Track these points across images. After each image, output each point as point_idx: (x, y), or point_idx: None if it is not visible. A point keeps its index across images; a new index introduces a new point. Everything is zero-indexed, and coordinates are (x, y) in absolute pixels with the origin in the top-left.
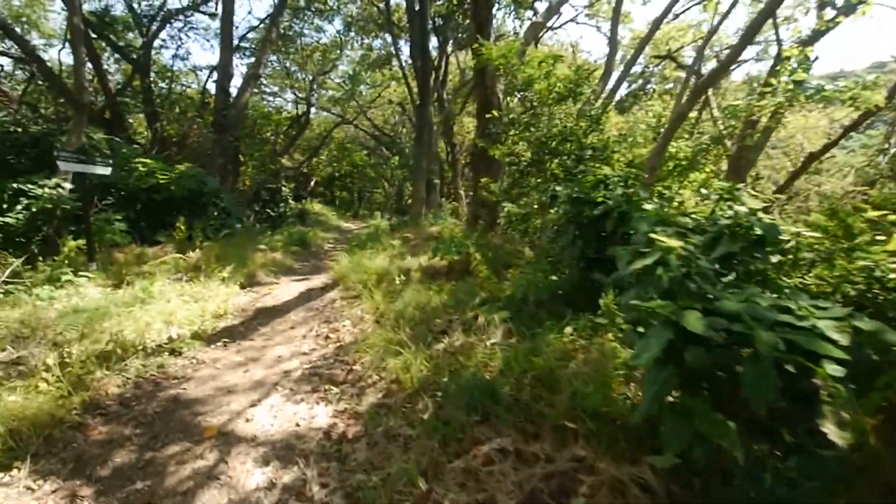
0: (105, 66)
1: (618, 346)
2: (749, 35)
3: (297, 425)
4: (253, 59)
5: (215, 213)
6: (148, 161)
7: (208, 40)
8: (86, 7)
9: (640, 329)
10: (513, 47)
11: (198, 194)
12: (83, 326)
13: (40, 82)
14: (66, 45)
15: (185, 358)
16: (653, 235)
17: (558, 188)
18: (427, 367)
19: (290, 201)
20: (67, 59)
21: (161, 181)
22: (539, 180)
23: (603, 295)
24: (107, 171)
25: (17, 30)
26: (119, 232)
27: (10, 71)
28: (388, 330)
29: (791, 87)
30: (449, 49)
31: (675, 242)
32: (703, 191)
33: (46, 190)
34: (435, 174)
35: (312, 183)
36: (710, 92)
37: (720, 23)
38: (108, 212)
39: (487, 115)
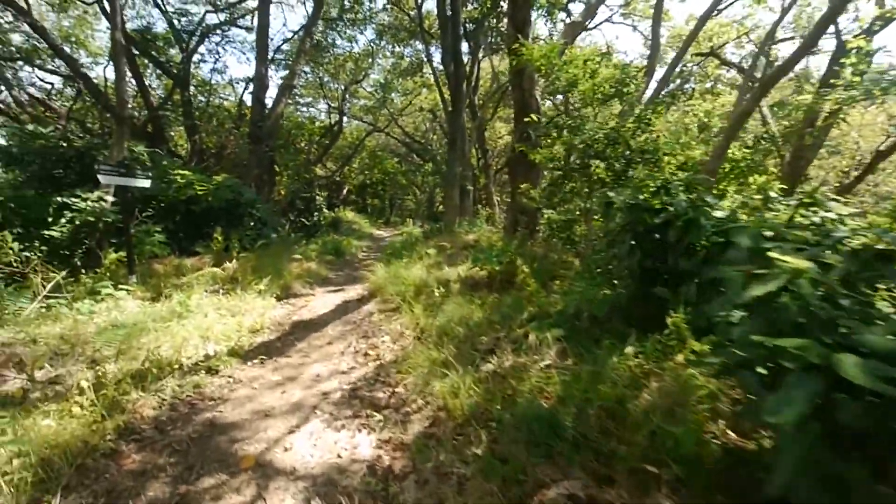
0: (147, 82)
1: (695, 373)
2: (823, 26)
3: (339, 456)
4: (287, 71)
5: (251, 224)
6: (186, 173)
7: (244, 53)
8: (129, 25)
9: (761, 370)
10: (555, 47)
11: (234, 205)
12: (120, 343)
13: (87, 99)
14: (111, 61)
15: (221, 376)
16: (773, 254)
17: (611, 194)
18: (477, 392)
19: (324, 210)
20: (112, 75)
21: (199, 192)
22: (583, 186)
23: (669, 312)
24: (146, 183)
25: (66, 49)
26: (158, 244)
27: (60, 88)
28: (430, 348)
29: (858, 80)
30: (480, 55)
31: (803, 263)
32: (755, 196)
33: (89, 203)
34: (468, 180)
35: (345, 191)
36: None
37: (781, 17)
38: (148, 224)
39: (525, 119)
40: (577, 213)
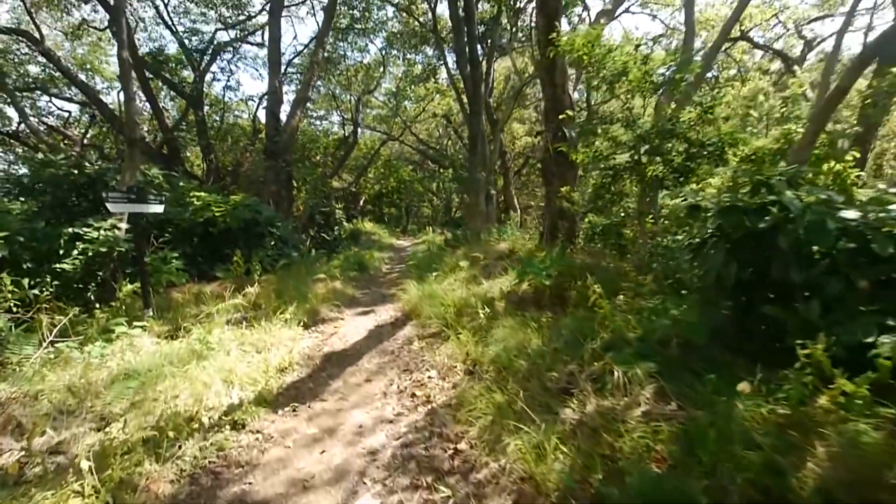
0: (161, 104)
1: (867, 428)
2: None
3: None
4: (300, 85)
5: (272, 243)
6: (202, 194)
7: (257, 69)
8: (141, 50)
9: None
10: (598, 33)
11: (253, 224)
12: (134, 393)
13: (103, 124)
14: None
15: (249, 432)
16: None
17: (693, 196)
18: (567, 454)
19: (344, 223)
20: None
21: (216, 214)
22: (634, 185)
23: (786, 336)
24: (159, 208)
25: (81, 76)
26: (175, 271)
27: (77, 116)
28: (490, 386)
29: None
30: (494, 56)
31: None
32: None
33: (102, 232)
34: (490, 185)
35: (361, 201)
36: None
37: None
38: (164, 250)
39: (561, 116)
40: (628, 215)
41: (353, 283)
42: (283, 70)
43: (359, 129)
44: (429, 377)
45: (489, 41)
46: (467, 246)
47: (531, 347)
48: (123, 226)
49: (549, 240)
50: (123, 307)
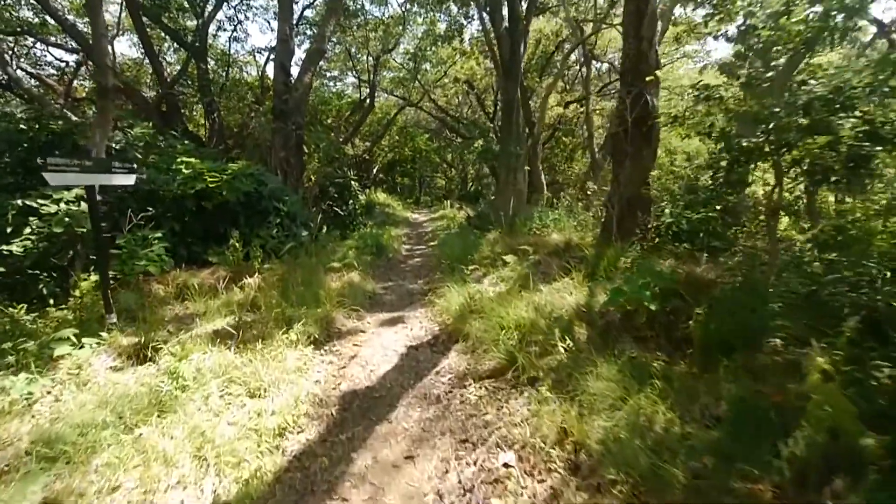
0: (161, 57)
1: None
2: None
3: None
4: (314, 38)
5: (277, 221)
6: (192, 161)
7: (267, 20)
8: None
9: None
10: None
11: (256, 198)
12: (49, 484)
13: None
14: (121, 35)
15: None
16: None
17: None
18: None
19: (359, 196)
20: (126, 50)
21: (210, 185)
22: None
23: None
24: (128, 179)
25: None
26: (157, 257)
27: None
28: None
29: None
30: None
31: None
32: None
33: (63, 206)
34: (523, 159)
35: (374, 170)
36: None
37: None
38: (144, 229)
39: (648, 78)
40: (751, 212)
41: (373, 271)
42: (295, 17)
43: (376, 92)
44: (505, 465)
45: None
46: (501, 231)
47: (664, 427)
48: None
49: (618, 234)
50: (81, 308)
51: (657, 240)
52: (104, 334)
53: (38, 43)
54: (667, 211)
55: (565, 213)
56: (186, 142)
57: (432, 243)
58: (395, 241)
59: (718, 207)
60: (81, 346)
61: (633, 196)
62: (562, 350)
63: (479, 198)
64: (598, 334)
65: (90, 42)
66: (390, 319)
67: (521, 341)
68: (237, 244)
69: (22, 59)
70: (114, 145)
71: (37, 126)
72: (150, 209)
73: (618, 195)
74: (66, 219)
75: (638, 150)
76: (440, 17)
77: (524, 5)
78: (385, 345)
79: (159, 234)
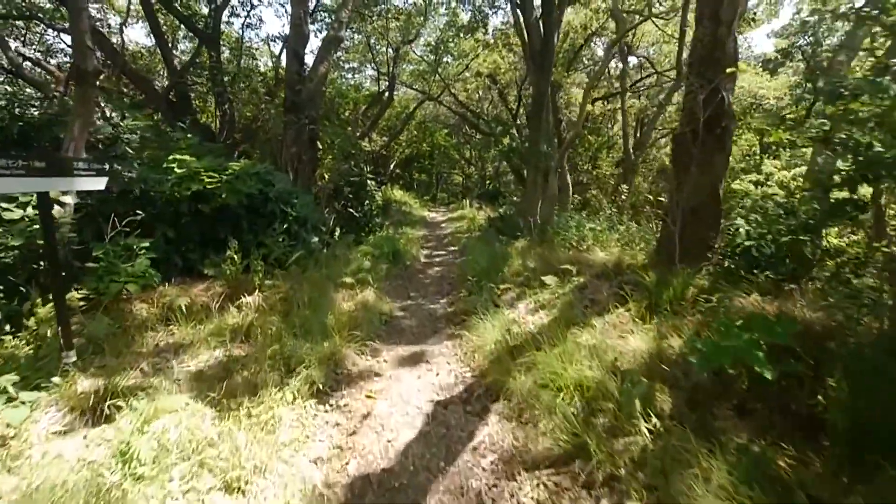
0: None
1: None
2: None
3: None
4: (331, 25)
5: (285, 227)
6: (186, 158)
7: (282, 4)
8: None
9: None
10: None
11: (261, 200)
12: None
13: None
14: (134, 22)
15: None
16: None
17: None
18: None
19: (376, 195)
20: (138, 37)
21: (208, 186)
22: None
23: None
24: (97, 183)
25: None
26: (141, 273)
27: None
28: None
29: None
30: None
31: None
32: None
33: (30, 212)
34: (552, 160)
35: (392, 166)
36: None
37: None
38: (131, 236)
39: (730, 70)
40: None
41: (388, 282)
42: (312, 3)
43: (395, 86)
44: None
45: None
46: (530, 240)
47: None
48: (70, 200)
49: (680, 254)
50: (40, 339)
51: (728, 264)
52: (57, 379)
53: (50, 29)
54: (742, 230)
55: (605, 222)
56: (190, 135)
57: (453, 248)
58: (412, 244)
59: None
60: (19, 403)
61: (699, 210)
62: (644, 430)
63: (498, 197)
64: (686, 402)
65: (94, 24)
66: (411, 356)
67: (585, 410)
68: (235, 256)
69: (34, 46)
70: (100, 138)
71: (7, 116)
72: (140, 213)
73: (681, 208)
74: (31, 227)
75: (708, 156)
76: (463, 7)
77: None
78: (406, 397)
79: (146, 244)
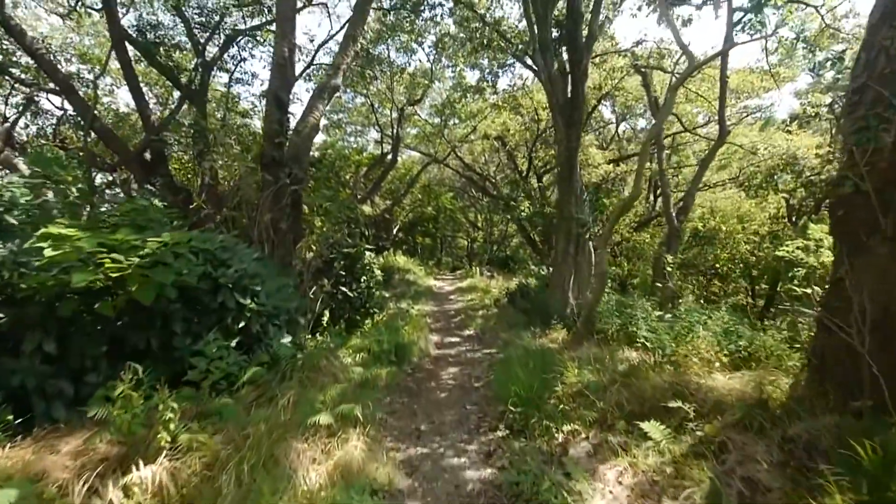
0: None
1: None
2: None
3: None
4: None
5: (240, 325)
6: (64, 232)
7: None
8: (126, 21)
9: None
10: None
11: (209, 290)
12: None
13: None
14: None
15: None
16: None
17: None
18: None
19: (376, 271)
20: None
21: (109, 275)
22: None
23: None
24: None
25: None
26: None
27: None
28: None
29: None
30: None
31: None
32: None
33: None
34: (583, 226)
35: (395, 230)
36: None
37: None
38: None
39: None
40: None
41: (388, 402)
42: (307, 60)
43: (399, 148)
44: None
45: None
46: (575, 334)
47: None
48: None
49: (870, 387)
50: None
51: None
52: None
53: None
54: None
55: (687, 312)
56: (158, 200)
57: (468, 332)
58: (419, 331)
59: None
60: None
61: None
62: None
63: (509, 263)
64: None
65: (67, 78)
66: None
67: None
68: (133, 393)
69: None
70: None
71: None
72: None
73: (864, 316)
74: None
75: None
76: (470, 70)
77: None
78: None
79: None
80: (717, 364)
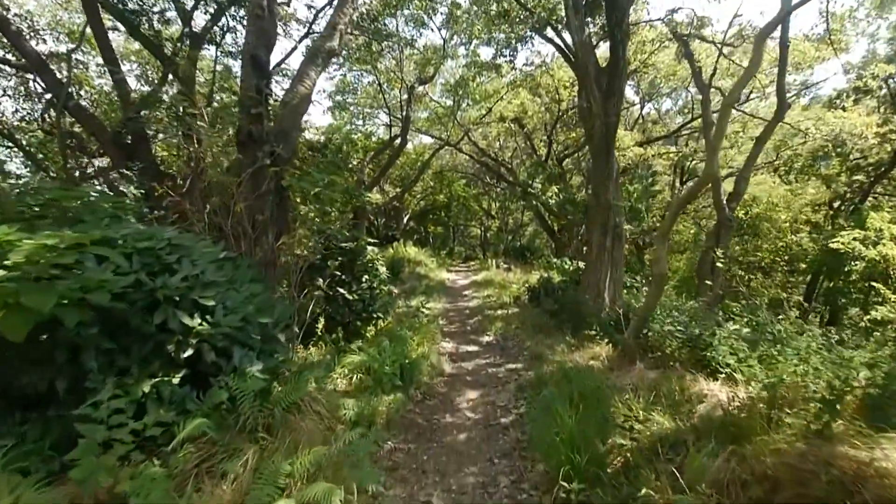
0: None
1: None
2: None
3: None
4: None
5: (185, 354)
6: None
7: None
8: None
9: None
10: None
11: (143, 306)
12: None
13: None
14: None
15: None
16: None
17: None
18: None
19: (380, 268)
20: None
21: None
22: None
23: None
24: None
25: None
26: None
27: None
28: None
29: None
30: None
31: None
32: None
33: None
34: (621, 216)
35: (405, 219)
36: None
37: None
38: None
39: None
40: None
41: (387, 452)
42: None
43: (409, 130)
44: None
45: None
46: (625, 348)
47: None
48: None
49: None
50: None
51: None
52: None
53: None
54: None
55: (770, 325)
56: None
57: (487, 338)
58: (430, 341)
59: None
60: None
61: None
62: None
63: (526, 253)
64: None
65: (40, 56)
66: None
67: None
68: None
69: None
70: None
71: None
72: None
73: None
74: None
75: None
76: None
77: None
78: None
79: None
80: (848, 410)
